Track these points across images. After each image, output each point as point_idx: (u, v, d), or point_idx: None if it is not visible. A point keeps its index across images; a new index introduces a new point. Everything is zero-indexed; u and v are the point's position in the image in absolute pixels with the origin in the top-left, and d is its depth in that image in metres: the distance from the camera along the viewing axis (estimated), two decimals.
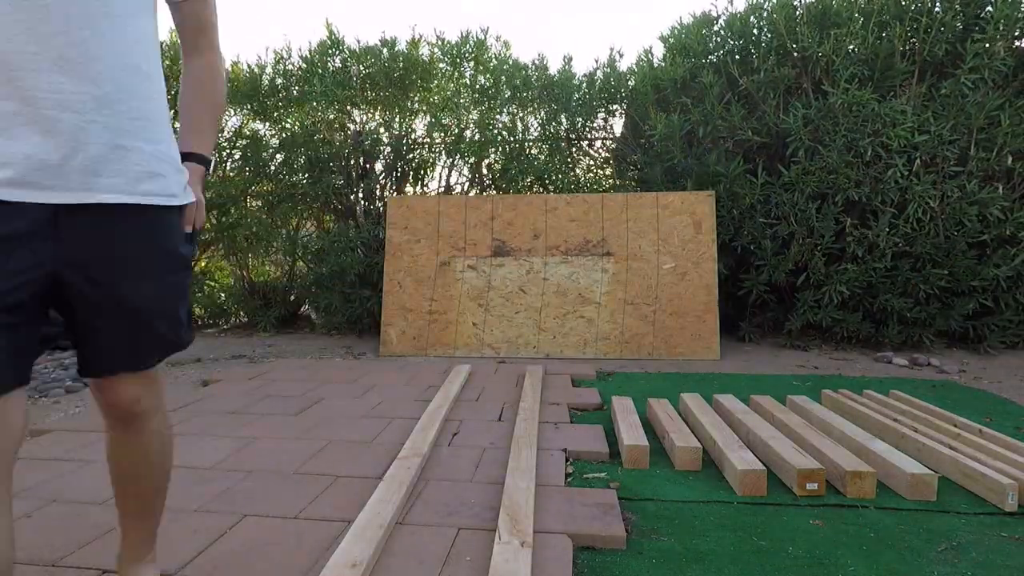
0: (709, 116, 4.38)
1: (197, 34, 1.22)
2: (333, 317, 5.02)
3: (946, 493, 1.86)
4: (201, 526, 1.61)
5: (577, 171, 5.47)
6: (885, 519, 1.69)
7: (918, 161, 3.89)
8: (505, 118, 5.26)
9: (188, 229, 1.13)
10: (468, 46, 5.16)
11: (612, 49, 6.31)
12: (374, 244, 4.88)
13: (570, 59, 5.22)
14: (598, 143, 5.54)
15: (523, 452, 2.06)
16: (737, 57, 4.56)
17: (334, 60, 5.14)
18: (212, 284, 5.28)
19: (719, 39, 4.68)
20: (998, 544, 1.55)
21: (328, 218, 5.50)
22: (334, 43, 5.10)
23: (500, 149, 5.28)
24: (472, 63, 5.21)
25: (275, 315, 5.32)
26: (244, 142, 5.36)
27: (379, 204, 5.25)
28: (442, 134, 5.25)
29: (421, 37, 5.10)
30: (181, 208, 1.11)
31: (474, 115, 5.21)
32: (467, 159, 5.31)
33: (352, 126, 5.17)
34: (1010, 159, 3.82)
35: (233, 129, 5.52)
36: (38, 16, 0.85)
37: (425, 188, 5.55)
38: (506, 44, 5.27)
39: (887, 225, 3.95)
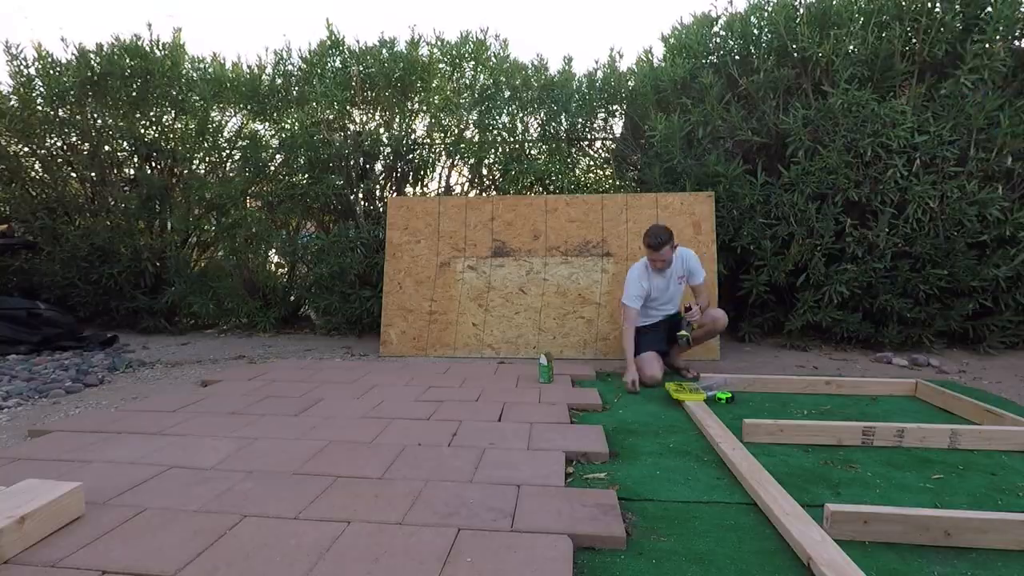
0: (709, 117, 4.38)
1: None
2: (333, 317, 5.03)
3: (947, 493, 1.87)
4: (201, 526, 1.60)
5: (577, 172, 5.47)
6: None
7: (918, 161, 3.89)
8: (505, 119, 5.26)
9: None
10: (468, 46, 5.16)
11: (612, 49, 6.32)
12: (374, 244, 4.88)
13: (570, 60, 5.23)
14: (598, 143, 5.54)
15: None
16: (737, 57, 4.56)
17: (334, 61, 5.14)
18: (213, 285, 5.27)
19: (719, 39, 4.68)
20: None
21: (328, 218, 5.51)
22: (334, 43, 5.10)
23: (500, 150, 5.28)
24: (472, 63, 5.21)
25: (275, 315, 5.32)
26: (244, 142, 5.36)
27: (379, 204, 5.25)
28: (442, 135, 5.25)
29: (420, 37, 5.10)
30: None
31: (474, 116, 5.21)
32: (467, 160, 5.30)
33: (352, 126, 5.17)
34: (1010, 159, 3.82)
35: (233, 130, 5.52)
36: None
37: (425, 189, 5.55)
38: (504, 43, 5.27)
39: (887, 225, 3.95)
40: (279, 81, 5.21)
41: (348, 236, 4.84)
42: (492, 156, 5.29)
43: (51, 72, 5.14)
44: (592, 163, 5.61)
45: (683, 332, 3.37)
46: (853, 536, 1.56)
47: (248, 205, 5.48)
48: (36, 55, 5.14)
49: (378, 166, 5.26)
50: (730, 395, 2.92)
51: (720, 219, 4.36)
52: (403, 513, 1.68)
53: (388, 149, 5.19)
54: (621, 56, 5.26)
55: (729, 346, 4.41)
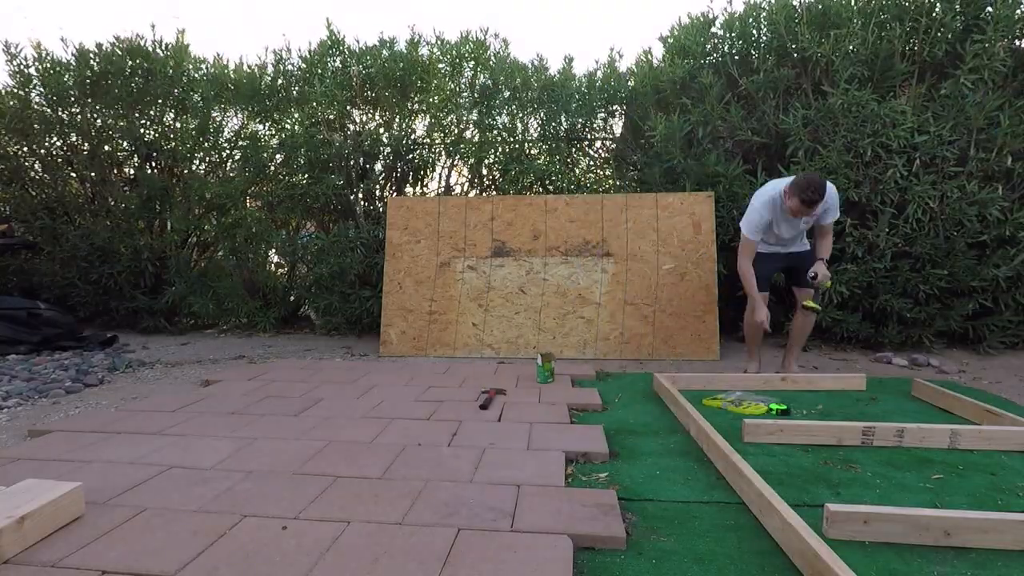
0: (709, 117, 4.38)
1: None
2: (333, 317, 5.02)
3: (947, 493, 1.87)
4: (201, 526, 1.60)
5: (577, 172, 5.47)
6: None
7: (918, 161, 3.89)
8: (505, 119, 5.26)
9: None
10: (468, 46, 5.16)
11: (612, 49, 6.31)
12: (374, 244, 4.88)
13: (570, 60, 5.22)
14: (598, 143, 5.54)
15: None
16: (736, 58, 4.56)
17: (334, 60, 5.14)
18: (213, 285, 5.27)
19: (718, 40, 4.68)
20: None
21: (328, 218, 5.51)
22: (334, 43, 5.10)
23: (500, 150, 5.28)
24: (472, 63, 5.21)
25: (275, 315, 5.32)
26: (244, 142, 5.36)
27: (379, 204, 5.25)
28: (442, 135, 5.25)
29: (420, 37, 5.10)
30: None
31: (474, 116, 5.21)
32: (467, 160, 5.31)
33: (352, 126, 5.17)
34: (1010, 159, 3.82)
35: (233, 130, 5.52)
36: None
37: (425, 189, 5.55)
38: (505, 42, 5.27)
39: (887, 225, 3.95)
40: (279, 81, 5.21)
41: (348, 236, 4.84)
42: (492, 156, 5.29)
43: (51, 72, 5.14)
44: (592, 163, 5.61)
45: (811, 303, 3.30)
46: (853, 536, 1.56)
47: (248, 205, 5.49)
48: (36, 55, 5.14)
49: (378, 166, 5.26)
50: (785, 407, 2.78)
51: (720, 219, 4.36)
52: (403, 513, 1.68)
53: (388, 149, 5.18)
54: (621, 56, 5.26)
55: (729, 346, 4.41)
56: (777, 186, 3.23)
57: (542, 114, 5.20)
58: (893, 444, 2.28)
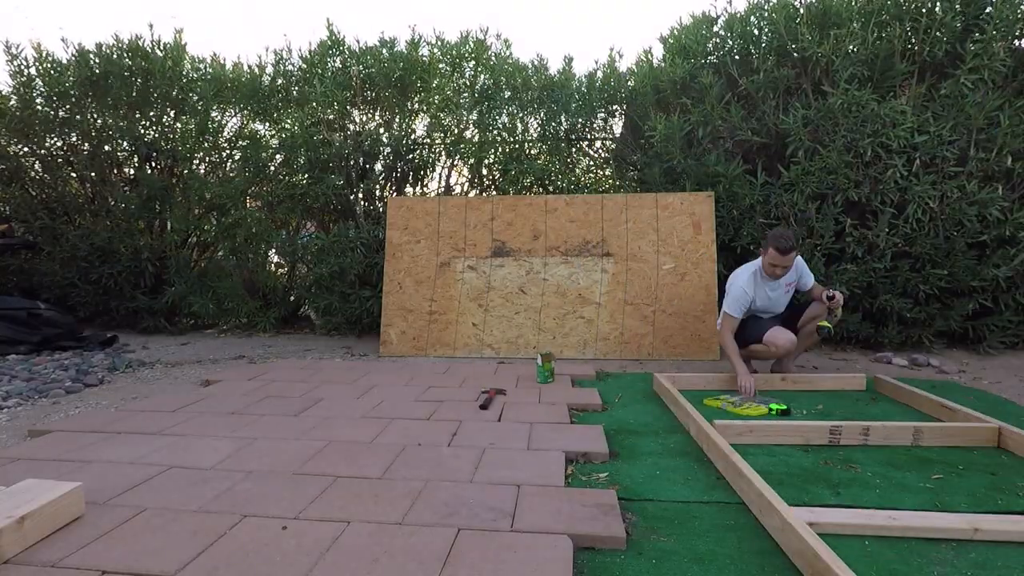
0: (709, 117, 4.38)
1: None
2: (333, 317, 5.02)
3: (947, 492, 1.87)
4: (201, 526, 1.60)
5: (577, 172, 5.47)
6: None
7: (918, 161, 3.89)
8: (505, 119, 5.26)
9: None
10: (468, 46, 5.16)
11: (612, 49, 6.31)
12: (374, 244, 4.88)
13: (570, 60, 5.22)
14: (598, 143, 5.54)
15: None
16: (737, 58, 4.56)
17: (334, 61, 5.14)
18: (213, 285, 5.27)
19: (719, 40, 4.68)
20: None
21: (328, 218, 5.51)
22: (334, 43, 5.10)
23: (500, 150, 5.28)
24: (472, 63, 5.21)
25: (275, 315, 5.32)
26: (244, 142, 5.36)
27: (379, 204, 5.25)
28: (442, 135, 5.25)
29: (421, 37, 5.10)
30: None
31: (474, 116, 5.21)
32: (467, 160, 5.31)
33: (352, 126, 5.17)
34: (1010, 159, 3.82)
35: (233, 130, 5.52)
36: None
37: (425, 189, 5.55)
38: (506, 42, 5.27)
39: (887, 225, 3.95)
40: (279, 81, 5.21)
41: (348, 236, 4.84)
42: (492, 156, 5.28)
43: (51, 72, 5.14)
44: (592, 163, 5.61)
45: (825, 323, 3.15)
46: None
47: (248, 205, 5.48)
48: (36, 55, 5.14)
49: (378, 166, 5.26)
50: (785, 407, 2.77)
51: (720, 219, 4.36)
52: (403, 513, 1.68)
53: (388, 149, 5.18)
54: (621, 56, 5.26)
55: None
56: (751, 264, 3.35)
57: (542, 114, 5.20)
58: (859, 442, 2.30)
